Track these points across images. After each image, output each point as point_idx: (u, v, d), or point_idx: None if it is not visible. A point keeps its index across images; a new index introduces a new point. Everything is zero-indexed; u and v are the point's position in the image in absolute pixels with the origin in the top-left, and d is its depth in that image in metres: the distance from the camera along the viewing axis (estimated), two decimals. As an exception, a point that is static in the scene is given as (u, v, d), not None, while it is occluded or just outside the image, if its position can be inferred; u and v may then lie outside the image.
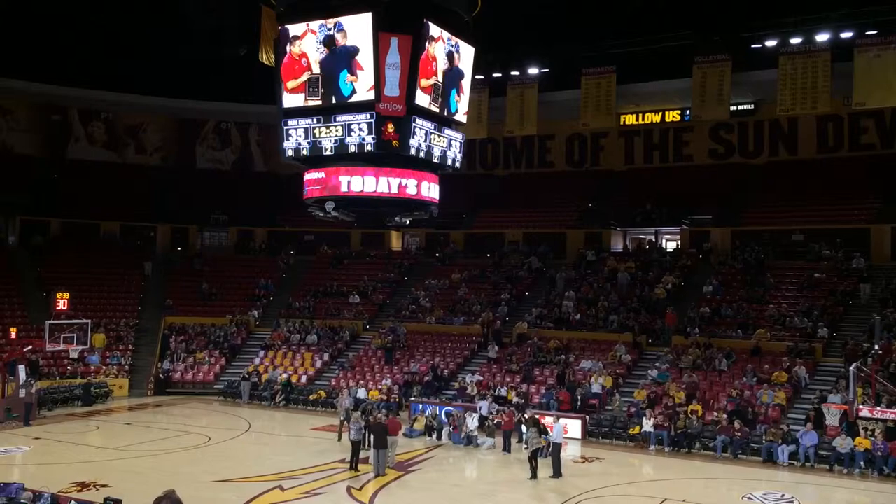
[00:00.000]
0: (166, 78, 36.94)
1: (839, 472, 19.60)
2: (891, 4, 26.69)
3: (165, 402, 28.73)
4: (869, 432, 19.78)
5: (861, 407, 16.14)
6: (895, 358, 22.87)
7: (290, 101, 13.94)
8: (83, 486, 16.85)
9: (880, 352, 23.11)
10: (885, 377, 20.74)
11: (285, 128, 14.05)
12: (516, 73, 34.75)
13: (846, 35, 28.72)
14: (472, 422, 22.40)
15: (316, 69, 13.55)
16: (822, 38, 29.04)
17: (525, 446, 20.75)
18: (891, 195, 31.96)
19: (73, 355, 29.21)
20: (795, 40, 29.48)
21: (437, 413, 23.79)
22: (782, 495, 17.37)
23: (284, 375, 29.43)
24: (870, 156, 33.80)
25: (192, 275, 37.54)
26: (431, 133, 14.04)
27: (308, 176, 14.42)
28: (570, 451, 21.18)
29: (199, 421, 25.43)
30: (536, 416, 20.80)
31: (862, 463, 19.51)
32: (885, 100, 28.97)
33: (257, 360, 31.41)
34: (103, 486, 16.81)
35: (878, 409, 16.87)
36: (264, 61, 19.04)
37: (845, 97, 29.94)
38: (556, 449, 18.80)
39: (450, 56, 14.12)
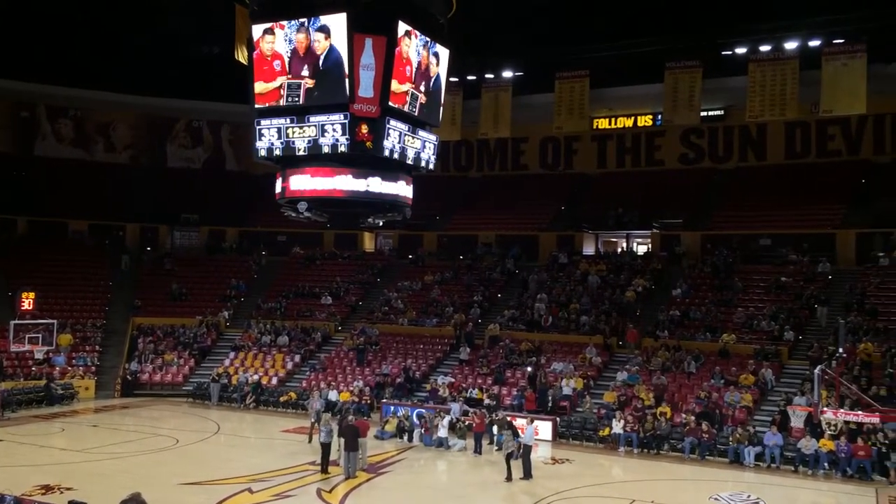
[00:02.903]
0: (137, 75, 36.46)
1: (804, 473, 19.93)
2: (858, 13, 27.22)
3: (133, 404, 28.36)
4: (832, 431, 20.12)
5: (825, 409, 16.42)
6: (859, 361, 23.31)
7: (264, 100, 13.89)
8: (47, 488, 16.58)
9: (844, 355, 23.59)
10: (848, 380, 21.13)
11: (258, 127, 13.99)
12: (491, 75, 34.87)
13: (814, 43, 29.26)
14: (443, 424, 22.39)
15: (290, 71, 13.51)
16: (791, 45, 29.57)
17: (496, 448, 20.84)
18: (856, 201, 32.61)
19: (39, 356, 28.75)
20: (765, 48, 29.98)
21: (409, 415, 23.77)
22: (748, 496, 17.62)
23: (255, 377, 29.20)
24: (836, 162, 34.44)
25: (162, 275, 37.11)
26: (405, 134, 14.06)
27: (281, 176, 14.37)
28: (541, 453, 21.28)
29: (167, 423, 25.14)
30: (509, 419, 20.88)
31: (826, 464, 19.85)
32: (851, 107, 29.53)
33: (227, 362, 31.13)
34: (68, 488, 16.55)
35: (842, 411, 17.18)
36: (239, 60, 18.95)
37: (813, 104, 30.49)
38: (527, 451, 18.88)
39: (425, 57, 14.15)
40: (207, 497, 16.48)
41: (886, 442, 19.46)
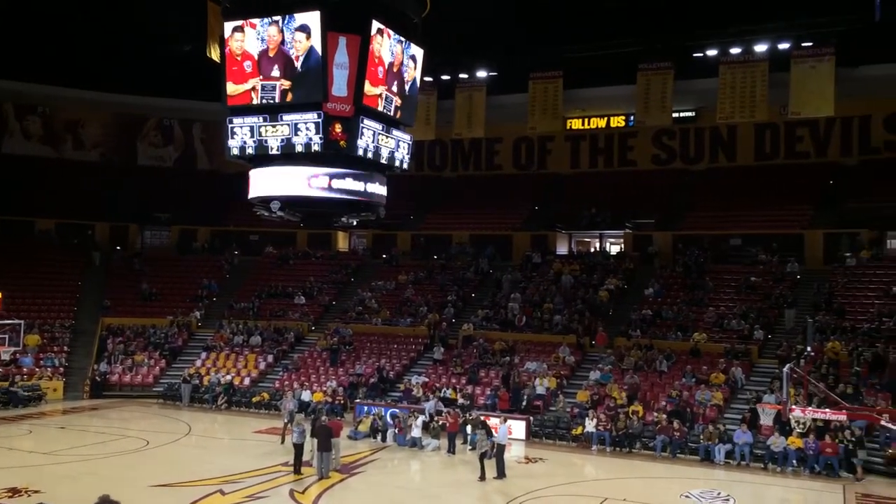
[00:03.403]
0: (107, 72, 35.95)
1: (773, 471, 20.22)
2: (827, 16, 27.67)
3: (102, 406, 27.97)
4: (800, 429, 20.42)
5: (794, 407, 16.63)
6: (826, 359, 23.69)
7: (236, 99, 13.77)
8: (14, 491, 16.27)
9: (812, 353, 23.96)
10: (816, 378, 21.47)
11: (230, 126, 13.87)
12: (465, 75, 34.96)
13: (783, 46, 29.74)
14: (417, 423, 22.37)
15: (261, 72, 13.40)
16: (761, 48, 30.03)
17: (470, 448, 20.86)
18: (824, 202, 33.16)
19: (5, 357, 28.20)
20: (735, 50, 30.39)
21: (383, 414, 23.71)
22: (718, 493, 17.82)
23: (227, 377, 28.95)
24: (804, 164, 34.96)
25: (132, 274, 36.67)
26: (379, 134, 14.02)
27: (253, 175, 14.26)
28: (514, 452, 21.34)
29: (137, 424, 24.82)
30: (483, 418, 20.92)
31: (794, 461, 20.16)
32: (819, 109, 30.08)
33: (199, 362, 30.82)
34: (35, 491, 16.27)
35: (810, 409, 17.42)
36: (212, 58, 18.75)
37: (782, 106, 30.95)
38: (501, 450, 18.92)
39: (398, 57, 14.13)
40: (178, 499, 16.30)
41: (853, 439, 19.81)
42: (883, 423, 17.17)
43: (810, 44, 29.41)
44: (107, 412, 26.98)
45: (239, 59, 13.58)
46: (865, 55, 30.20)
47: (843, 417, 17.22)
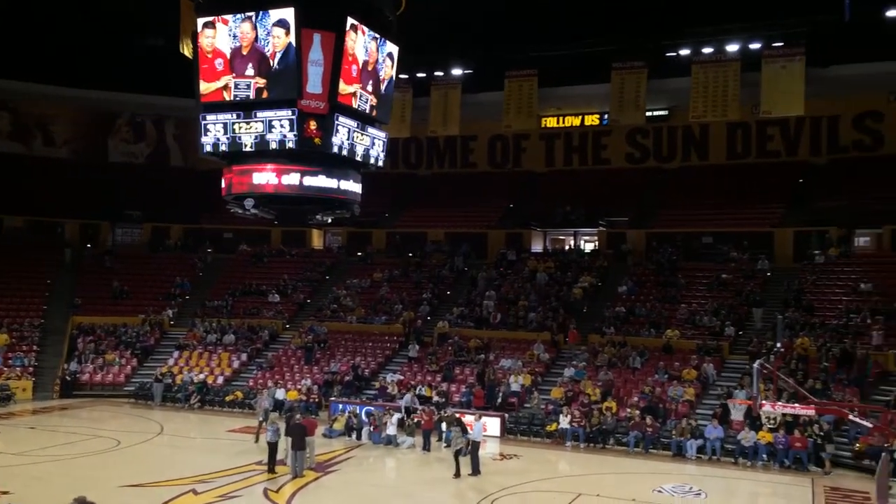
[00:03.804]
0: (78, 68, 35.44)
1: (743, 465, 20.50)
2: (797, 17, 28.09)
3: (72, 405, 27.60)
4: (771, 423, 20.73)
5: (764, 402, 16.88)
6: (795, 355, 24.06)
7: (209, 96, 13.66)
8: (-18, 493, 16.02)
9: (782, 349, 24.32)
10: (786, 373, 21.80)
11: (204, 122, 13.77)
12: (440, 73, 34.98)
13: (755, 46, 30.15)
14: (392, 421, 22.36)
15: (233, 70, 13.30)
16: (733, 48, 30.42)
17: (445, 445, 20.90)
18: (794, 200, 33.66)
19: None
20: (707, 49, 30.74)
21: (358, 413, 23.67)
22: (690, 488, 18.05)
23: (200, 376, 28.70)
24: (775, 163, 35.46)
25: (103, 272, 36.18)
26: (354, 131, 14.00)
27: (227, 172, 14.16)
28: (489, 449, 21.41)
29: (109, 424, 24.53)
30: (456, 415, 20.96)
31: (764, 455, 20.45)
32: (789, 109, 30.55)
33: (171, 361, 30.53)
34: (5, 492, 15.98)
35: (780, 404, 17.69)
36: (184, 54, 18.57)
37: (753, 106, 31.35)
38: (475, 447, 18.98)
39: (373, 55, 14.10)
40: (150, 499, 16.14)
41: (822, 434, 20.15)
42: (851, 417, 17.52)
43: (781, 44, 29.85)
44: (77, 412, 26.63)
45: (210, 56, 13.44)
46: (835, 55, 30.73)
47: (811, 412, 17.51)
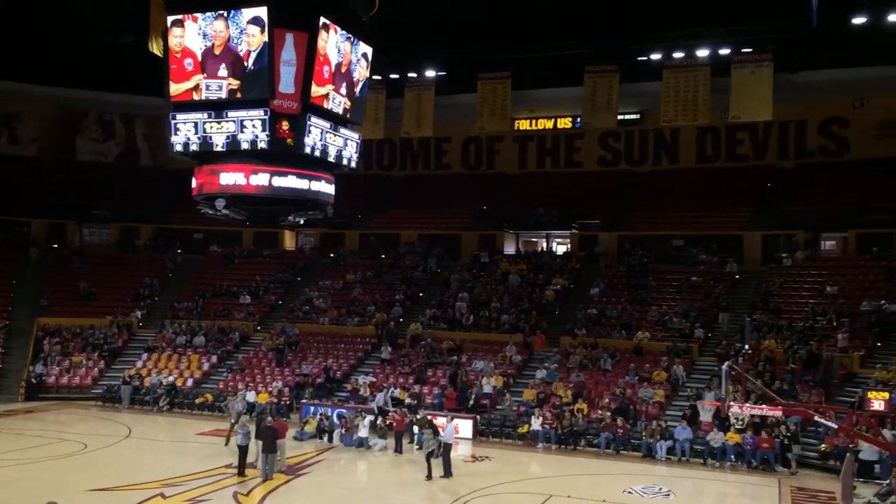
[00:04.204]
0: (44, 65, 34.83)
1: (712, 466, 20.72)
2: (766, 23, 28.51)
3: (38, 408, 27.09)
4: (739, 425, 20.99)
5: (732, 403, 17.09)
6: (763, 357, 24.40)
7: (179, 96, 13.49)
8: (-57, 498, 15.68)
9: (750, 351, 24.66)
10: (753, 375, 22.09)
11: (174, 122, 13.60)
12: (413, 74, 34.98)
13: (724, 52, 30.58)
14: (364, 424, 22.28)
15: (204, 70, 13.13)
16: (703, 53, 30.84)
17: (417, 447, 20.87)
18: (762, 204, 34.16)
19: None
20: (678, 54, 31.10)
21: (329, 415, 23.55)
22: (660, 489, 18.21)
23: (169, 378, 28.36)
24: (744, 167, 35.96)
25: (70, 273, 35.59)
26: (327, 132, 13.92)
27: (198, 172, 14.01)
28: (461, 451, 21.43)
29: (75, 427, 24.14)
30: (429, 417, 20.94)
31: (732, 456, 20.70)
32: (758, 114, 31.04)
33: (140, 363, 30.12)
34: (-34, 498, 15.71)
35: (748, 405, 17.92)
36: (154, 52, 18.33)
37: (723, 110, 31.78)
38: (447, 449, 18.98)
39: (346, 56, 14.04)
40: (118, 503, 15.90)
41: (789, 434, 20.44)
42: (817, 418, 17.80)
43: (750, 50, 30.32)
44: (43, 415, 26.16)
45: (179, 56, 13.25)
46: (803, 62, 31.27)
47: (778, 413, 17.76)
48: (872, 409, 18.93)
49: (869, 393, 20.00)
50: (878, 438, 17.27)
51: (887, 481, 17.22)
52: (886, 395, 19.64)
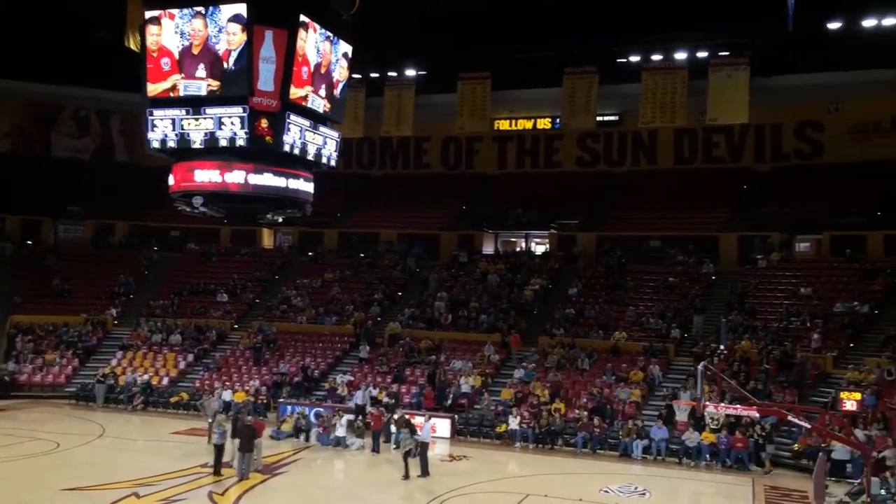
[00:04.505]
0: (18, 59, 34.31)
1: (687, 465, 20.91)
2: (743, 27, 28.84)
3: (10, 407, 26.68)
4: (714, 424, 21.20)
5: (707, 403, 17.25)
6: (738, 357, 24.65)
7: (157, 93, 13.37)
8: (-89, 499, 15.42)
9: (725, 352, 24.91)
10: (729, 375, 22.31)
11: (151, 118, 13.49)
12: (394, 73, 34.93)
13: (702, 55, 30.87)
14: (341, 423, 22.22)
15: (182, 70, 13.01)
16: (681, 56, 31.10)
17: (394, 447, 20.85)
18: (738, 206, 34.52)
19: None
20: (657, 57, 31.34)
21: (307, 414, 23.46)
22: (636, 488, 18.34)
23: (144, 377, 28.09)
24: (720, 169, 36.30)
25: (44, 270, 35.11)
26: (306, 130, 13.88)
27: (175, 169, 13.90)
28: (439, 450, 21.43)
29: (47, 426, 23.80)
30: (407, 417, 20.93)
31: (707, 456, 20.90)
32: (735, 117, 31.39)
33: (114, 362, 29.80)
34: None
35: (723, 405, 18.09)
36: (131, 47, 18.18)
37: (700, 113, 32.07)
38: (424, 448, 18.98)
39: (325, 55, 13.99)
40: (91, 503, 15.73)
41: (763, 434, 20.68)
42: (790, 418, 18.02)
43: (727, 53, 30.63)
44: (15, 413, 25.78)
45: (156, 55, 13.10)
46: (778, 66, 31.65)
47: (753, 413, 17.97)
48: (845, 409, 19.27)
49: (841, 393, 20.36)
50: (850, 438, 17.52)
51: (859, 480, 17.47)
52: (858, 395, 20.02)
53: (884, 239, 29.51)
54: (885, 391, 21.83)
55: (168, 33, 12.99)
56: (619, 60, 32.50)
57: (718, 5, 28.02)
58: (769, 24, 27.67)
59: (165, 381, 28.56)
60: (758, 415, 19.10)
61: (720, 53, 30.74)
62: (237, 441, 18.33)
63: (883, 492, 16.15)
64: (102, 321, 32.44)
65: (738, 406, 17.67)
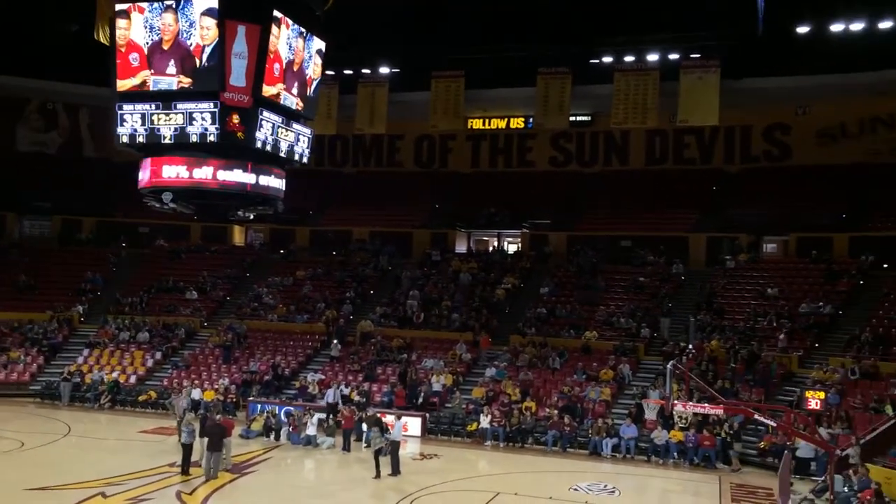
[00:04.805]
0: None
1: (655, 463, 21.14)
2: (714, 30, 29.17)
3: (-28, 405, 26.19)
4: (682, 423, 21.45)
5: (676, 402, 17.43)
6: (706, 356, 24.96)
7: (126, 86, 13.17)
8: None
9: (694, 351, 25.21)
10: (697, 374, 22.59)
11: (120, 112, 13.30)
12: (367, 71, 34.81)
13: (673, 57, 31.18)
14: (312, 421, 22.11)
15: (151, 66, 12.83)
16: (653, 57, 31.37)
17: (365, 445, 20.79)
18: (707, 207, 34.93)
19: None
20: (629, 58, 31.59)
21: (277, 413, 23.30)
22: (605, 486, 18.48)
23: (112, 375, 27.70)
24: (691, 170, 36.71)
25: (8, 266, 34.46)
26: (279, 126, 13.78)
27: (144, 164, 13.71)
28: (410, 449, 21.42)
29: (11, 425, 23.31)
30: (378, 415, 20.89)
31: (675, 454, 21.14)
32: (705, 118, 31.76)
33: (81, 359, 29.35)
34: None
35: (691, 403, 18.30)
36: (100, 40, 17.88)
37: (672, 114, 32.39)
38: (395, 447, 18.96)
39: (298, 52, 13.89)
40: (56, 503, 15.48)
41: (732, 432, 20.96)
42: (757, 416, 18.27)
43: (698, 56, 30.97)
44: (-23, 412, 25.29)
45: (124, 50, 12.89)
46: (748, 68, 32.08)
47: (720, 412, 18.19)
48: (809, 407, 19.58)
49: (806, 392, 20.69)
50: (814, 437, 17.81)
51: (823, 478, 17.79)
52: (822, 394, 20.37)
53: (849, 241, 30.10)
54: (849, 390, 22.29)
55: (137, 27, 12.78)
56: (591, 61, 32.70)
57: (690, 8, 28.31)
58: (740, 27, 28.02)
59: (133, 379, 28.20)
60: (725, 413, 19.41)
61: (691, 56, 31.08)
62: (206, 440, 18.14)
63: (846, 489, 16.46)
64: (69, 318, 31.93)
65: (706, 405, 17.87)
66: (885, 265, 28.63)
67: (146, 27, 12.72)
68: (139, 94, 13.15)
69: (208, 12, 12.40)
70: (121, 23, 12.85)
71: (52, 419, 24.41)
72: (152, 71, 12.80)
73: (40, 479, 17.03)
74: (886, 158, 32.92)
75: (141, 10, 12.71)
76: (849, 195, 32.51)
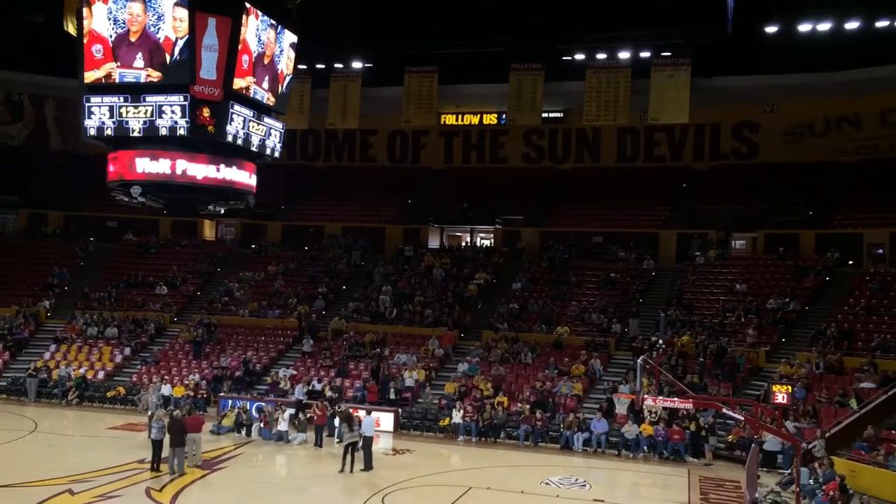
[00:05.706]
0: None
1: (626, 457, 21.37)
2: (684, 29, 29.48)
3: (-65, 402, 25.70)
4: (652, 417, 21.69)
5: (646, 396, 17.61)
6: (676, 351, 25.26)
7: (92, 77, 12.99)
8: None
9: (664, 346, 25.48)
10: (667, 369, 22.85)
11: (88, 105, 13.12)
12: (340, 65, 34.65)
13: (645, 55, 31.45)
14: (283, 417, 21.99)
15: (116, 59, 12.65)
16: (625, 55, 31.63)
17: (337, 441, 20.75)
18: (677, 204, 35.32)
19: None
20: (601, 56, 31.81)
21: (248, 408, 23.15)
22: (576, 479, 18.64)
23: (80, 371, 27.31)
24: (661, 167, 37.09)
25: (-28, 260, 33.87)
26: (250, 120, 13.68)
27: (112, 157, 13.54)
28: (382, 444, 21.42)
29: (-24, 422, 22.99)
30: (350, 411, 20.85)
31: (645, 448, 21.39)
32: (675, 116, 32.10)
33: (48, 355, 28.91)
34: None
35: (661, 398, 18.50)
36: (69, 31, 17.60)
37: (643, 112, 32.66)
38: (367, 442, 18.95)
39: (269, 45, 13.80)
40: (22, 500, 15.26)
41: (706, 427, 21.24)
42: (725, 410, 18.54)
43: (669, 54, 31.28)
44: (-60, 409, 24.82)
45: (86, 41, 12.71)
46: (718, 67, 32.47)
47: (689, 406, 18.41)
48: (776, 401, 19.89)
49: (773, 386, 20.99)
50: (781, 430, 18.11)
51: (789, 471, 18.12)
52: (789, 388, 20.69)
53: (815, 238, 30.59)
54: (814, 385, 22.69)
55: (100, 18, 12.60)
56: (564, 58, 32.90)
57: (661, 7, 28.58)
58: (710, 26, 28.34)
59: (101, 375, 27.84)
60: (694, 407, 19.65)
61: (662, 54, 31.38)
62: (169, 436, 17.95)
63: (811, 481, 16.77)
64: (35, 313, 31.42)
65: (676, 399, 18.09)
66: (850, 262, 29.19)
67: (110, 18, 12.54)
68: (107, 87, 12.98)
69: (181, 2, 12.26)
70: (85, 12, 12.66)
71: (19, 416, 24.02)
72: (118, 63, 12.64)
73: (6, 477, 16.75)
74: (852, 157, 33.58)
75: (105, 1, 12.52)
76: (815, 193, 33.07)
